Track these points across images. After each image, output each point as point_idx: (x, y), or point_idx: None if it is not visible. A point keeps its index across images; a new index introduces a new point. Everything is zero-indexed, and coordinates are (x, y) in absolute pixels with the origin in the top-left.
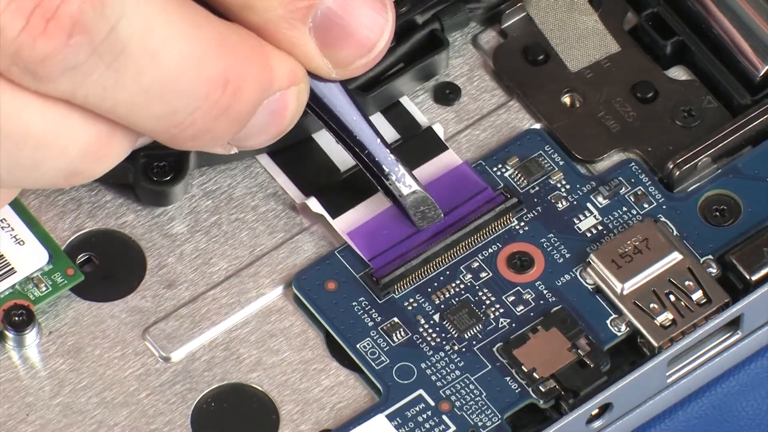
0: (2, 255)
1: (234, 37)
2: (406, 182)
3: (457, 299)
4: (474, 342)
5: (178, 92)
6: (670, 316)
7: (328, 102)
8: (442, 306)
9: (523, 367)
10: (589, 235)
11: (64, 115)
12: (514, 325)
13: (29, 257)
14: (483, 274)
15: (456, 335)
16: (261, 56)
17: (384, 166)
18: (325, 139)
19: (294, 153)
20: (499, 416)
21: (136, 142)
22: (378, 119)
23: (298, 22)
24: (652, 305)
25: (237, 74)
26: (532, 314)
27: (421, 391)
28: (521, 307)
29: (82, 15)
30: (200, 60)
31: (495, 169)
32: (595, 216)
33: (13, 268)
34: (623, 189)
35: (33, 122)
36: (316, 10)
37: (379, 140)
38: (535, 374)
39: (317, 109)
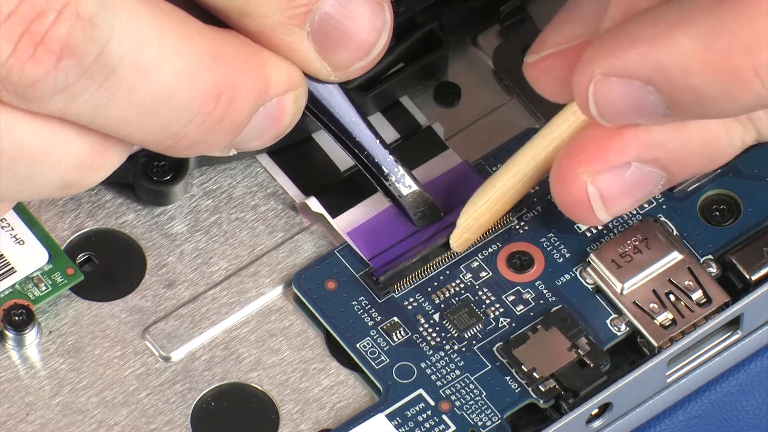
0: (2, 254)
1: (228, 46)
2: (405, 182)
3: (457, 299)
4: (474, 341)
5: (171, 107)
6: (670, 316)
7: (327, 104)
8: (442, 305)
9: (522, 366)
10: (588, 234)
11: (57, 130)
12: (514, 324)
13: (29, 257)
14: (483, 274)
15: (456, 335)
16: (256, 64)
17: (383, 167)
18: (325, 138)
19: (294, 153)
20: (499, 416)
21: (131, 149)
22: (378, 119)
23: (296, 28)
24: (651, 305)
25: (230, 85)
26: (532, 314)
27: (421, 391)
28: (521, 307)
29: (70, 38)
30: (193, 74)
31: (495, 168)
32: None
33: (13, 268)
34: None
35: (26, 139)
36: (314, 14)
37: (378, 141)
38: (534, 374)
39: (316, 111)
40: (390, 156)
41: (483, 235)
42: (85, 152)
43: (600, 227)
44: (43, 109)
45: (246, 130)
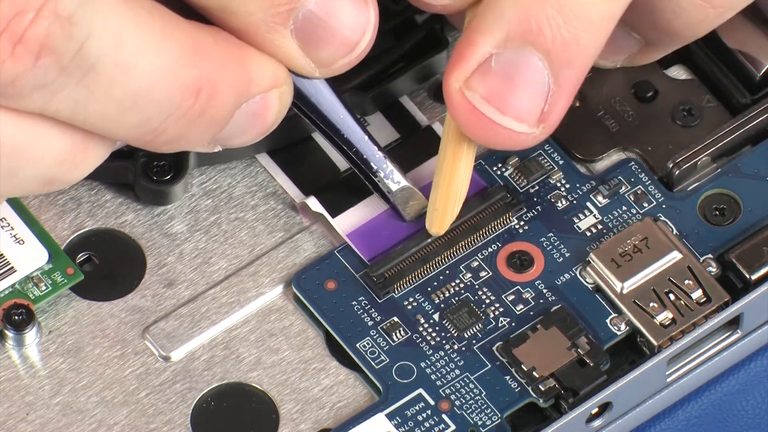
0: (2, 254)
1: (209, 42)
2: (394, 179)
3: (456, 298)
4: (474, 341)
5: (151, 102)
6: (670, 315)
7: (315, 100)
8: (442, 305)
9: (522, 366)
10: (588, 234)
11: (38, 126)
12: (513, 324)
13: (29, 256)
14: (483, 274)
15: (456, 334)
16: (238, 60)
17: (372, 163)
18: (324, 139)
19: (294, 152)
20: (499, 415)
21: (114, 146)
22: (378, 118)
23: (279, 26)
24: (651, 304)
25: (211, 80)
26: (531, 313)
27: (420, 391)
28: (521, 306)
29: (49, 37)
30: (172, 69)
31: (495, 168)
32: (594, 215)
33: (13, 268)
34: (623, 188)
35: (7, 134)
36: (297, 12)
37: (366, 137)
38: (534, 373)
39: (304, 108)
40: (379, 152)
41: (483, 234)
42: (67, 148)
43: (600, 227)
44: (23, 105)
45: (229, 127)
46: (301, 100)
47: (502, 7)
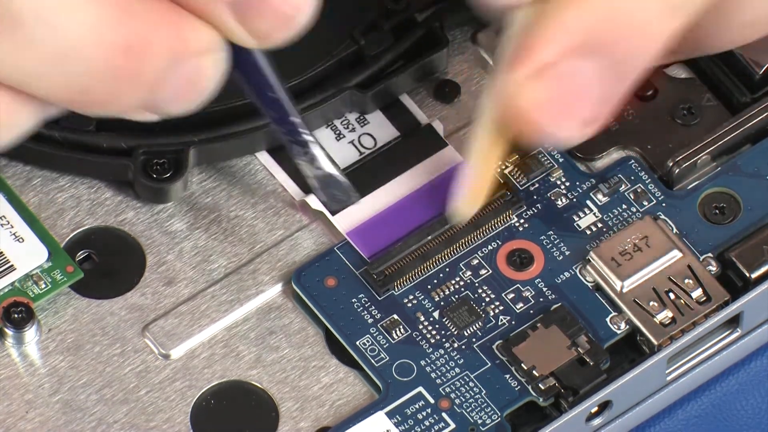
0: (2, 252)
1: (142, 2)
2: (319, 164)
3: (456, 296)
4: (474, 339)
5: (77, 60)
6: (670, 314)
7: (250, 71)
8: (442, 303)
9: (522, 364)
10: (588, 232)
11: None
12: (513, 322)
13: (29, 254)
14: (483, 272)
15: (456, 332)
16: (170, 22)
17: (298, 142)
18: (323, 136)
19: None
20: (499, 414)
21: (47, 111)
22: (377, 117)
23: None
24: (651, 303)
25: (141, 40)
26: (531, 312)
27: (420, 389)
28: (521, 305)
29: None
30: (100, 27)
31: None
32: (594, 213)
33: (12, 266)
34: (623, 186)
35: None
36: None
37: (297, 117)
38: (534, 372)
39: (239, 77)
40: (307, 134)
41: (483, 232)
42: None
43: (600, 225)
44: None
45: (162, 91)
46: (237, 70)
47: (569, 15)
